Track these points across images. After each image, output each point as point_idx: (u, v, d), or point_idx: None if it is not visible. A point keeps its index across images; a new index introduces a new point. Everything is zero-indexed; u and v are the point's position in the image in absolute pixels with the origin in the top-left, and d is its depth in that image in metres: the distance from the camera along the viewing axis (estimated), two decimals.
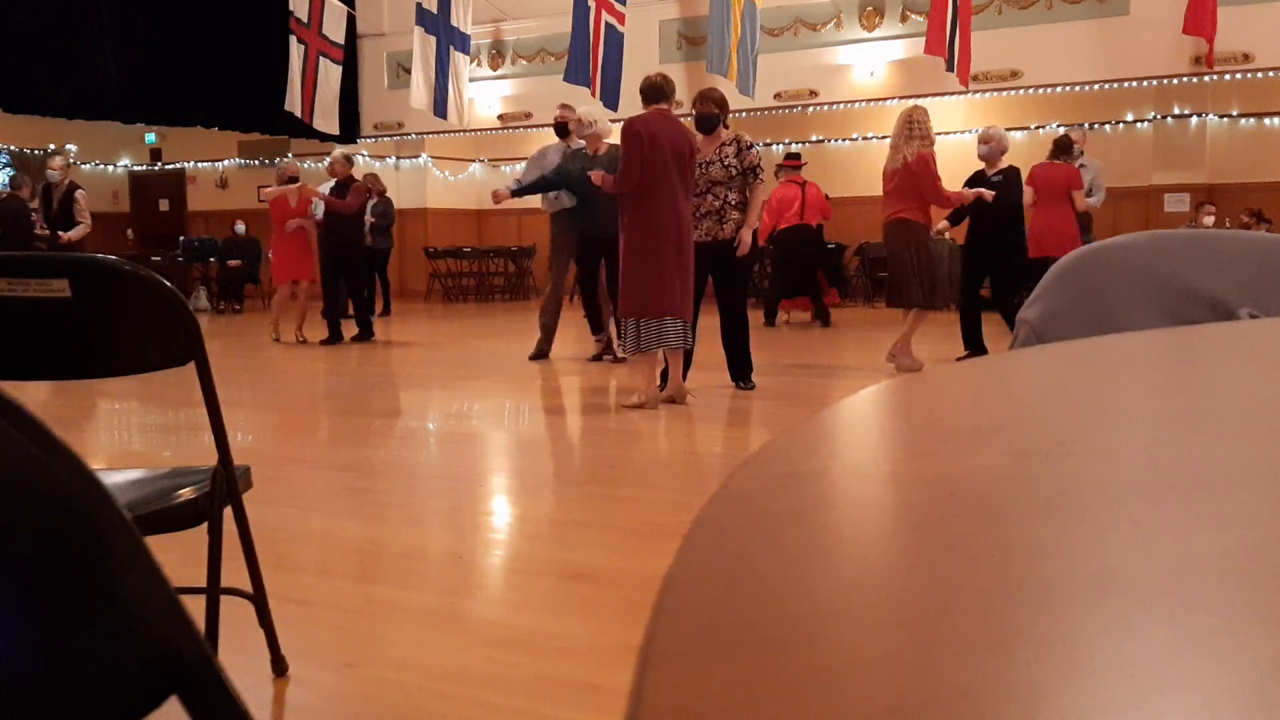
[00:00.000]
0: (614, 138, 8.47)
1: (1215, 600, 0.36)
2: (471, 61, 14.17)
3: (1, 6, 12.43)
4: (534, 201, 8.54)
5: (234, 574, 2.06)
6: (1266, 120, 13.17)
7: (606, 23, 12.36)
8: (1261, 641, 0.32)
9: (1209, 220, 11.49)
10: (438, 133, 15.64)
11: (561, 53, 13.12)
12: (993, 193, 7.54)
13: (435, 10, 13.33)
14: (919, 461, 0.61)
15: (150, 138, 18.32)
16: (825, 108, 13.62)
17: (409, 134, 16.31)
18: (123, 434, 6.01)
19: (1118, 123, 13.67)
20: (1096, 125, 13.51)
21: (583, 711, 2.18)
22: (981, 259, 7.71)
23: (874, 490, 0.56)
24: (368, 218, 11.66)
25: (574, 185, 7.68)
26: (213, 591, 1.92)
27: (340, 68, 14.13)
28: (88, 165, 17.96)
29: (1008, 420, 0.74)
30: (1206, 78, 11.63)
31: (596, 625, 2.70)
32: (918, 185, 7.10)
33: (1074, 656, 0.31)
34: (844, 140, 15.26)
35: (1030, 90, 12.41)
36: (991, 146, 7.85)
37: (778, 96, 13.16)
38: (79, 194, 11.02)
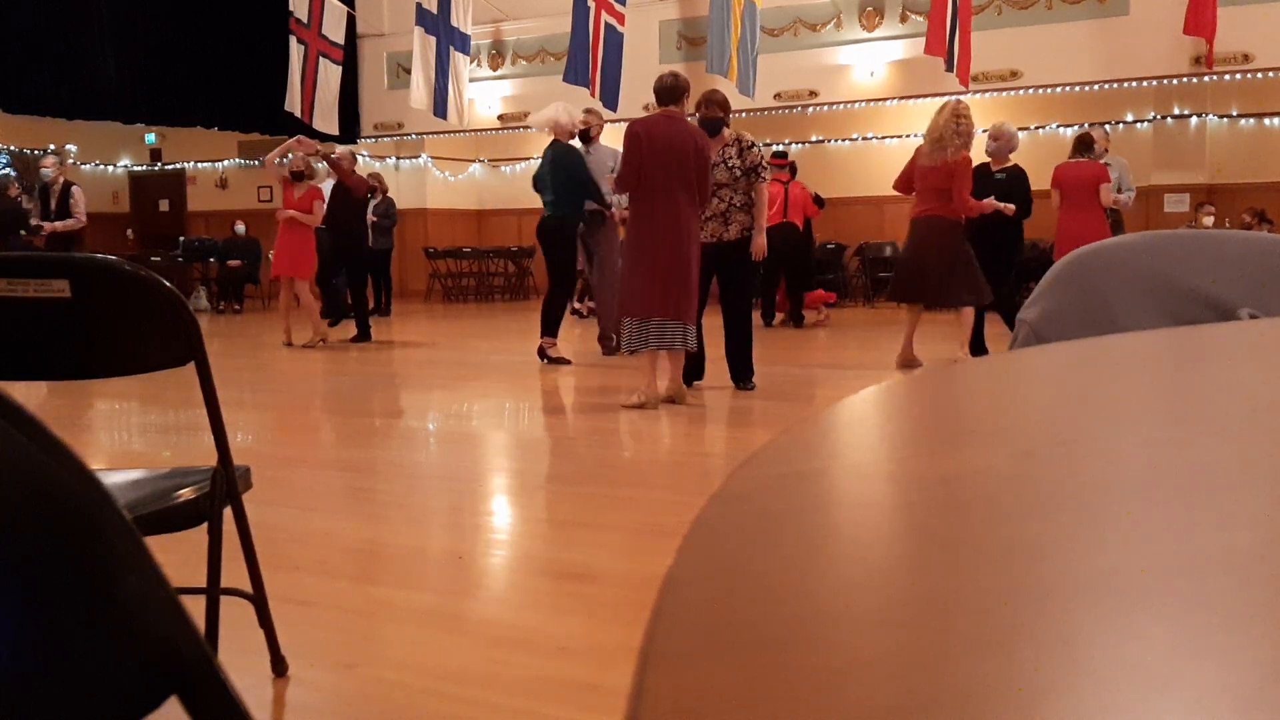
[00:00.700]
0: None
1: (1215, 600, 0.36)
2: (471, 62, 14.17)
3: (1, 6, 12.43)
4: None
5: (234, 574, 2.06)
6: (1266, 120, 13.17)
7: (606, 23, 12.36)
8: (1261, 641, 0.32)
9: (1209, 220, 11.49)
10: (438, 133, 15.64)
11: (561, 53, 13.12)
12: (1012, 207, 7.44)
13: (435, 10, 13.33)
14: (919, 461, 0.61)
15: (150, 138, 18.32)
16: (825, 108, 13.62)
17: (409, 134, 16.31)
18: (123, 434, 6.01)
19: (1118, 123, 13.67)
20: (1097, 125, 13.51)
21: (583, 711, 2.18)
22: (980, 258, 7.64)
23: (874, 490, 0.56)
24: (369, 217, 11.67)
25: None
26: (213, 591, 1.92)
27: (340, 68, 14.13)
28: (88, 165, 17.96)
29: (1008, 420, 0.74)
30: (1206, 78, 11.63)
31: (596, 625, 2.70)
32: (951, 185, 7.00)
33: (1074, 656, 0.31)
34: (844, 140, 15.26)
35: (1030, 90, 12.41)
36: (1000, 143, 7.75)
37: (778, 96, 13.16)
38: (75, 189, 11.03)
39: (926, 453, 0.63)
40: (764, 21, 12.43)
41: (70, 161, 17.08)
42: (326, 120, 13.94)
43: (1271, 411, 0.70)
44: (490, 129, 15.63)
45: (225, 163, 18.16)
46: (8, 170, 15.45)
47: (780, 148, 13.42)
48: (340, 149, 10.22)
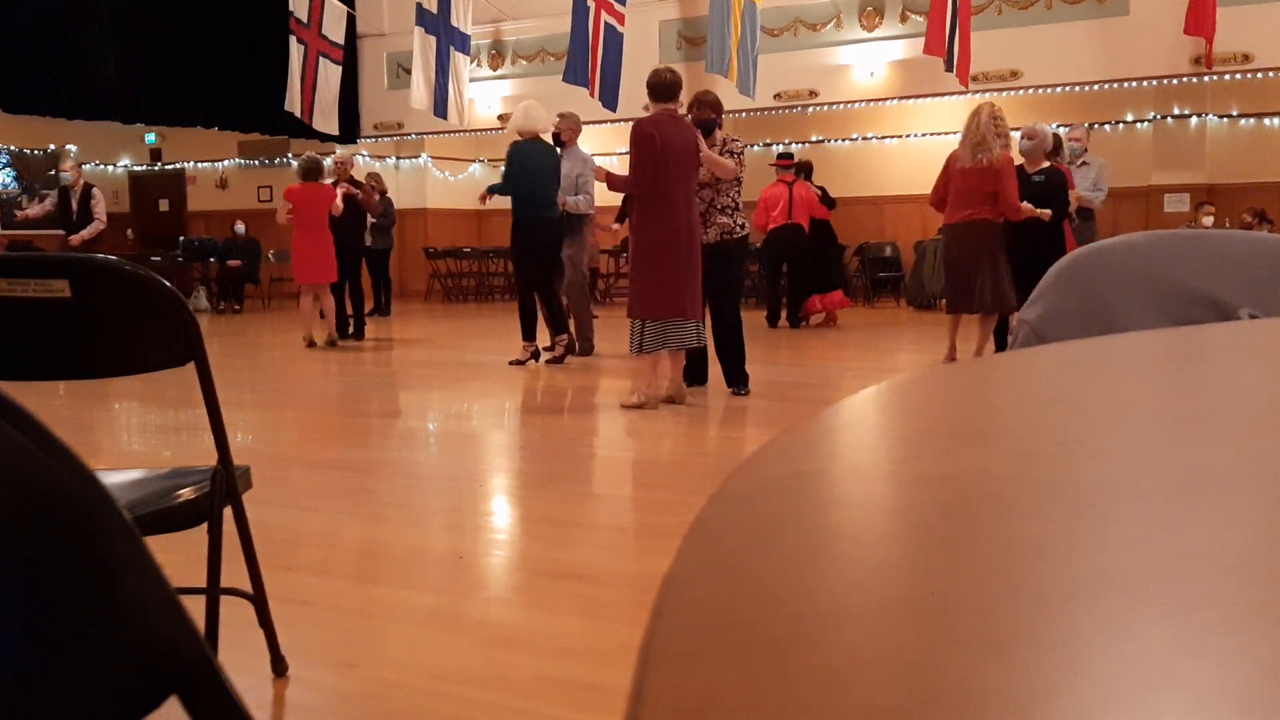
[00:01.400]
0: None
1: (1215, 600, 0.36)
2: (471, 61, 14.17)
3: (1, 6, 12.42)
4: None
5: (234, 574, 2.06)
6: (1266, 120, 13.17)
7: (606, 23, 12.35)
8: (1261, 641, 0.32)
9: (1208, 220, 11.48)
10: (438, 133, 15.64)
11: (561, 53, 13.12)
12: (1049, 212, 7.35)
13: (435, 10, 13.33)
14: (919, 462, 0.61)
15: (150, 138, 18.32)
16: (825, 108, 13.61)
17: (409, 134, 16.31)
18: (123, 434, 6.01)
19: (1118, 123, 13.68)
20: (1097, 125, 13.51)
21: (583, 711, 2.18)
22: (1024, 263, 7.44)
23: (874, 490, 0.56)
24: (369, 217, 11.71)
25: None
26: (213, 591, 1.92)
27: (340, 68, 14.13)
28: (88, 165, 17.92)
29: (1008, 420, 0.74)
30: (1206, 78, 11.63)
31: (596, 625, 2.70)
32: (995, 188, 6.88)
33: (1074, 656, 0.31)
34: (844, 140, 15.26)
35: (1030, 90, 12.40)
36: (1035, 143, 7.50)
37: (778, 97, 13.16)
38: (95, 192, 11.13)
39: (926, 453, 0.63)
40: (764, 21, 12.42)
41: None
42: (326, 120, 13.94)
43: (1271, 411, 0.70)
44: (490, 129, 15.62)
45: (225, 163, 18.15)
46: None
47: (782, 148, 13.43)
48: (342, 153, 10.29)
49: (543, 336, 8.26)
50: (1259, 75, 11.40)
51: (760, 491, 0.52)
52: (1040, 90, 12.41)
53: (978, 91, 11.96)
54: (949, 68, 11.42)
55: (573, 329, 8.46)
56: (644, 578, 2.94)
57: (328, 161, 10.25)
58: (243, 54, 14.72)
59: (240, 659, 2.28)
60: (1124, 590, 0.37)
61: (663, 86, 5.88)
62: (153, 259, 14.39)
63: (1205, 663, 0.31)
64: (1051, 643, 0.32)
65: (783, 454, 0.59)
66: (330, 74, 13.93)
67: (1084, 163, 8.99)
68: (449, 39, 13.46)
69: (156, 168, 18.82)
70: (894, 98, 13.09)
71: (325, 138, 14.51)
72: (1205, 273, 1.37)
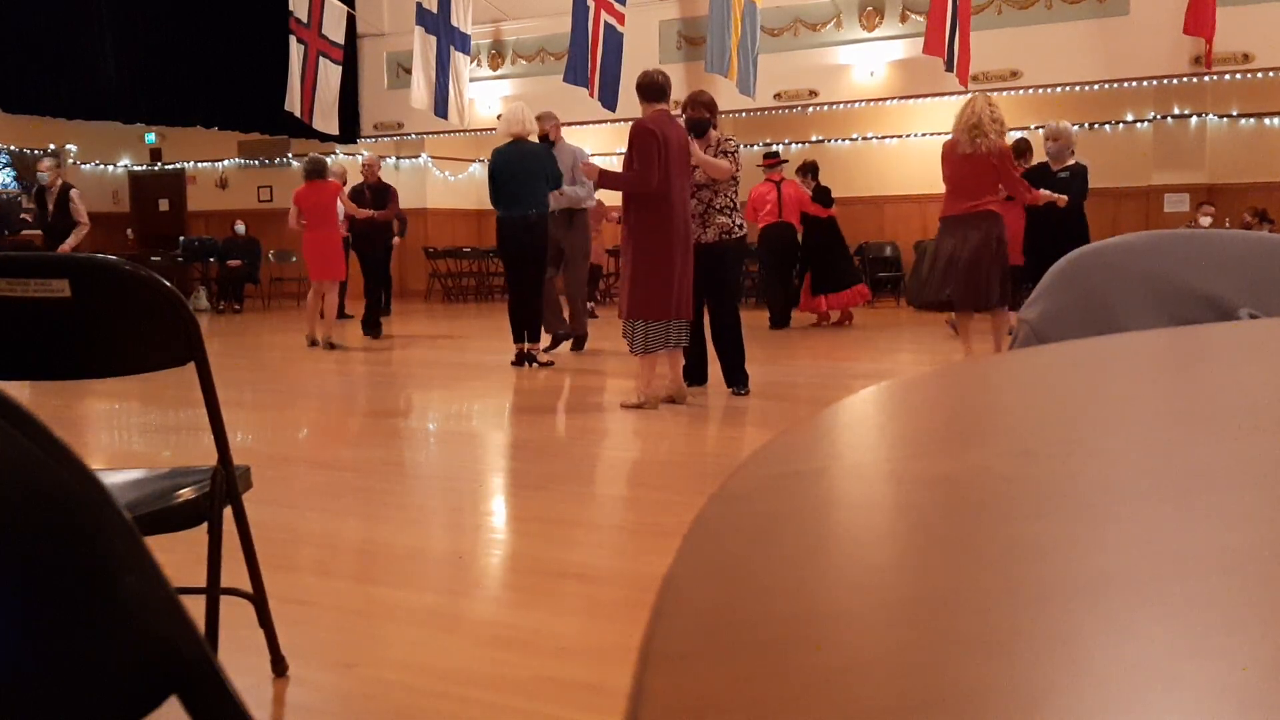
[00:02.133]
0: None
1: (1215, 600, 0.36)
2: (472, 61, 14.17)
3: (1, 6, 12.42)
4: None
5: (234, 574, 2.06)
6: (1266, 120, 13.17)
7: (606, 23, 12.35)
8: (1261, 641, 0.32)
9: (1207, 220, 11.48)
10: (438, 133, 15.65)
11: (561, 53, 13.11)
12: (1065, 197, 7.34)
13: (435, 10, 13.33)
14: (919, 461, 0.61)
15: (150, 138, 18.31)
16: (825, 108, 13.61)
17: (409, 134, 16.32)
18: (123, 434, 6.01)
19: (1118, 123, 13.68)
20: (1096, 125, 13.52)
21: (583, 711, 2.18)
22: (1042, 257, 7.38)
23: (874, 490, 0.56)
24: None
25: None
26: (213, 591, 1.92)
27: (340, 68, 14.12)
28: (88, 165, 17.95)
29: (1008, 420, 0.74)
30: (1206, 78, 11.63)
31: (596, 625, 2.70)
32: (996, 176, 6.79)
33: (1074, 656, 0.31)
34: (844, 140, 15.26)
35: (1030, 90, 12.41)
36: (1060, 144, 7.67)
37: (778, 96, 13.16)
38: (74, 193, 10.79)
39: (926, 453, 0.63)
40: (764, 21, 12.42)
41: (71, 162, 17.09)
42: (326, 120, 13.94)
43: (1271, 411, 0.70)
44: (490, 129, 15.61)
45: (225, 163, 18.15)
46: None
47: (760, 147, 13.41)
48: (369, 155, 10.51)
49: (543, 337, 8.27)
50: (1259, 75, 11.40)
51: (760, 491, 0.52)
52: (1040, 90, 12.41)
53: (978, 91, 11.94)
54: (949, 68, 11.41)
55: (568, 318, 8.48)
56: (644, 578, 2.94)
57: (333, 160, 10.33)
58: (243, 54, 14.71)
59: (240, 659, 2.28)
60: (1124, 590, 0.37)
61: (654, 87, 5.88)
62: (153, 259, 14.39)
63: (1205, 663, 0.31)
64: (1051, 643, 0.32)
65: (783, 454, 0.59)
66: (330, 74, 13.93)
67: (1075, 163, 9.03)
68: (449, 39, 13.46)
69: (156, 168, 18.81)
70: (894, 98, 13.09)
71: (325, 137, 14.50)
72: (1205, 273, 1.37)
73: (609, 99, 12.32)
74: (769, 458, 0.58)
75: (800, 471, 0.57)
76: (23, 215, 11.28)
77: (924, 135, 14.22)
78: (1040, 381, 0.91)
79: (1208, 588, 0.37)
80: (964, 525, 0.47)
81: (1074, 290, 1.41)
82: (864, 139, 15.07)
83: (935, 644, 0.33)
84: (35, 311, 1.69)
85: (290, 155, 16.84)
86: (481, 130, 15.61)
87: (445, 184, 17.72)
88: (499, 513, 4.14)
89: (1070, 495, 0.51)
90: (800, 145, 15.28)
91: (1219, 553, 0.41)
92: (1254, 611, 0.34)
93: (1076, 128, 10.12)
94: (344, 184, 10.98)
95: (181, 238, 16.28)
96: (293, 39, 13.57)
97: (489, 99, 15.24)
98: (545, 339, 8.40)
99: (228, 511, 1.95)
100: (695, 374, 6.46)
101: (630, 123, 6.15)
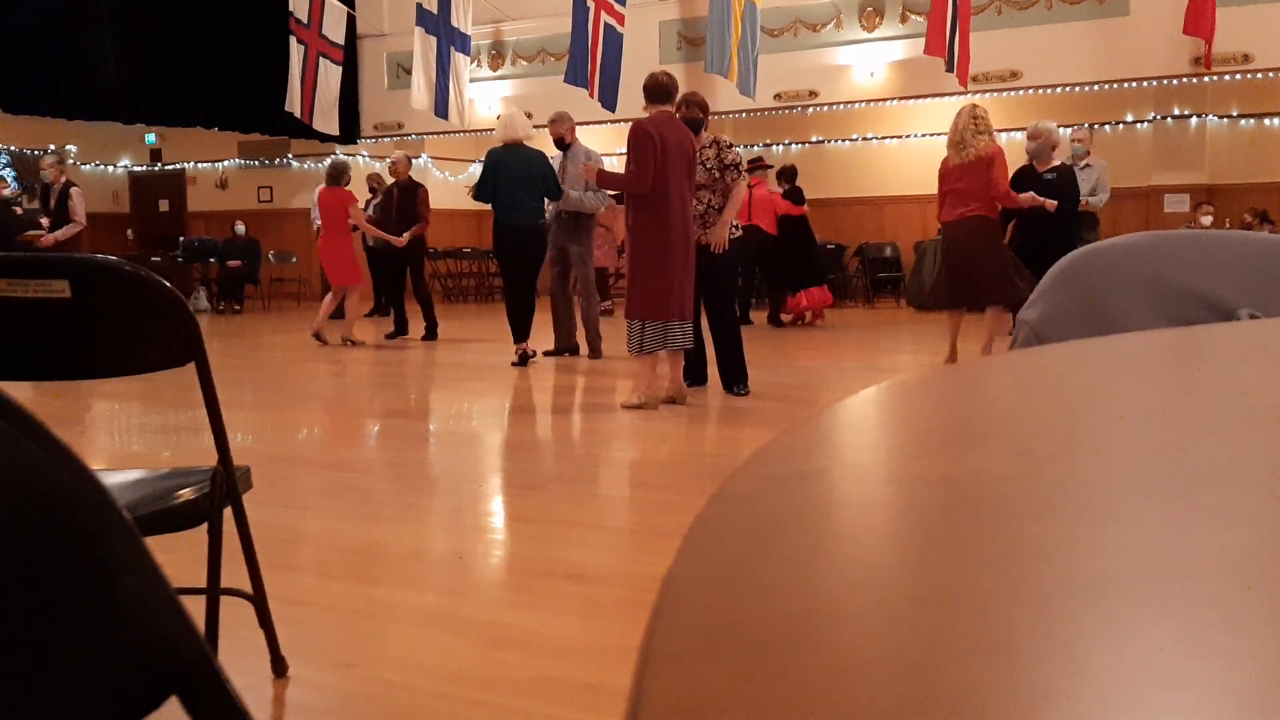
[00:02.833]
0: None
1: (1215, 600, 0.36)
2: (472, 62, 14.17)
3: (1, 6, 12.42)
4: None
5: (234, 574, 2.06)
6: (1266, 120, 13.17)
7: (606, 23, 12.35)
8: (1261, 641, 0.32)
9: (1206, 220, 11.48)
10: (438, 133, 15.64)
11: (561, 53, 13.12)
12: (1054, 203, 7.28)
13: (435, 10, 13.33)
14: (919, 462, 0.61)
15: (150, 138, 18.30)
16: (825, 108, 13.61)
17: (409, 134, 16.31)
18: (123, 434, 6.01)
19: (1117, 123, 13.68)
20: (1096, 125, 13.52)
21: (583, 711, 2.18)
22: (1032, 260, 7.39)
23: (874, 491, 0.56)
24: (368, 214, 11.74)
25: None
26: (213, 591, 1.92)
27: (340, 68, 14.13)
28: (88, 165, 17.95)
29: (1008, 420, 0.74)
30: (1206, 78, 11.63)
31: (596, 625, 2.70)
32: (987, 181, 6.84)
33: (1074, 656, 0.31)
34: (844, 141, 15.26)
35: (1030, 91, 12.41)
36: (1040, 143, 7.53)
37: (778, 97, 13.16)
38: (73, 191, 10.94)
39: (926, 453, 0.63)
40: (764, 21, 12.42)
41: (70, 162, 17.08)
42: (326, 120, 13.94)
43: (1271, 411, 0.70)
44: (490, 129, 15.62)
45: (225, 163, 18.15)
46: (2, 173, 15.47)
47: (761, 148, 13.42)
48: (398, 154, 10.57)
49: (545, 338, 8.27)
50: (1259, 75, 11.40)
51: (760, 491, 0.52)
52: (1040, 90, 12.41)
53: (978, 92, 11.96)
54: (949, 68, 11.42)
55: (581, 331, 8.48)
56: (644, 578, 2.94)
57: (350, 162, 10.38)
58: (243, 54, 14.71)
59: (240, 659, 2.28)
60: (1124, 590, 0.37)
61: (659, 89, 5.90)
62: (153, 259, 14.39)
63: (1205, 663, 0.31)
64: (1051, 643, 0.32)
65: (783, 454, 0.59)
66: (330, 74, 13.93)
67: (1086, 165, 8.97)
68: (449, 39, 13.46)
69: (156, 168, 18.81)
70: (894, 98, 13.09)
71: (325, 138, 14.50)
72: (1205, 273, 1.37)
73: (609, 99, 12.32)
74: (769, 458, 0.58)
75: (800, 472, 0.57)
76: (40, 219, 11.31)
77: (924, 136, 14.22)
78: (1040, 382, 0.91)
79: (1208, 588, 0.37)
80: (964, 525, 0.47)
81: (1074, 291, 1.41)
82: (864, 139, 15.07)
83: (935, 644, 0.33)
84: (35, 312, 1.69)
85: (290, 156, 16.84)
86: (481, 131, 15.60)
87: (445, 184, 17.70)
88: (499, 513, 4.14)
89: (1070, 495, 0.51)
90: (800, 146, 15.29)
91: (1219, 553, 0.41)
92: (1254, 611, 0.34)
93: (1081, 127, 10.12)
94: (374, 187, 11.13)
95: (181, 238, 16.27)
96: (293, 39, 13.57)
97: (489, 99, 15.24)
98: (546, 342, 8.44)
99: (228, 512, 1.96)
100: (695, 374, 6.46)
101: (630, 123, 6.16)
